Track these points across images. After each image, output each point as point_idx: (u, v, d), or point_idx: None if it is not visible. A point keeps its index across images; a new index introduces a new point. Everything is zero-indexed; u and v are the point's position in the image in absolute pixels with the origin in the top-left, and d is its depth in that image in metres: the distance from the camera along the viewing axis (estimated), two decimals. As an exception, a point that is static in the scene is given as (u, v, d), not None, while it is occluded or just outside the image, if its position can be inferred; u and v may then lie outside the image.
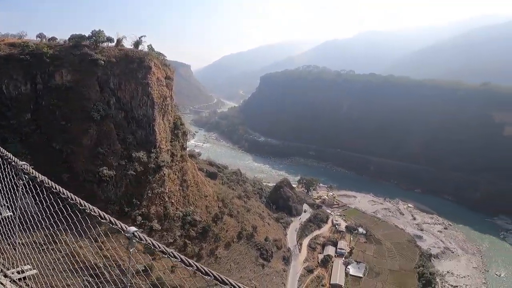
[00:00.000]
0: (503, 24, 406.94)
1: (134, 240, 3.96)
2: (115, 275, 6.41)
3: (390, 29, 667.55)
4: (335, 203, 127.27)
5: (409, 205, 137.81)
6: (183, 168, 70.54)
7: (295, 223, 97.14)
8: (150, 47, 68.01)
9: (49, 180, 5.63)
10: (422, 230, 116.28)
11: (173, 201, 63.71)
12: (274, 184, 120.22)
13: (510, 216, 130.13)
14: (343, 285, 74.52)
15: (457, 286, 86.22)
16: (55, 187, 5.52)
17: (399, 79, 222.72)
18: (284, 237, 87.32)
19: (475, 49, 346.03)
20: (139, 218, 55.97)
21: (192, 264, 3.69)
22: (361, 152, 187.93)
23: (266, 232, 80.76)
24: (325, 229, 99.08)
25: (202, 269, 3.62)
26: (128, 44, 66.55)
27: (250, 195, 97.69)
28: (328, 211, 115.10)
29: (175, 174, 67.83)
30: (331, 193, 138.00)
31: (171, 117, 70.63)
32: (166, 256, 3.75)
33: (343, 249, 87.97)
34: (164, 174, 63.15)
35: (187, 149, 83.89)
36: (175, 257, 3.72)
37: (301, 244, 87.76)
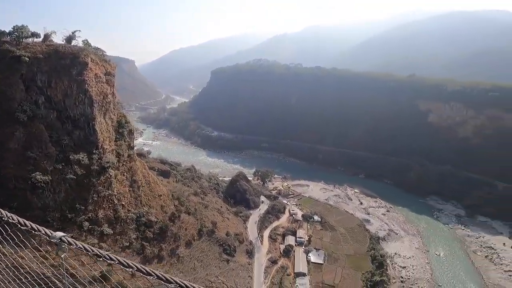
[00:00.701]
0: (425, 19, 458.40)
1: (63, 245, 3.81)
2: (64, 282, 5.92)
3: (334, 24, 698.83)
4: (290, 193, 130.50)
5: (355, 190, 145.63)
6: (132, 168, 66.39)
7: (254, 216, 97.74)
8: (86, 42, 61.93)
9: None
10: (368, 214, 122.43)
11: (123, 203, 59.59)
12: (230, 178, 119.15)
13: (440, 196, 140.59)
14: (307, 272, 76.61)
15: (405, 267, 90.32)
16: None
17: (341, 72, 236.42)
18: (245, 230, 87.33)
19: (403, 43, 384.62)
20: (86, 223, 51.70)
21: (132, 265, 3.57)
22: (310, 142, 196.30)
23: (226, 227, 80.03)
24: (283, 219, 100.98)
25: (143, 269, 3.50)
26: (59, 40, 60.02)
27: (206, 191, 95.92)
28: (285, 201, 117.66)
29: (123, 175, 63.58)
30: (286, 184, 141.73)
31: (114, 115, 65.68)
32: (101, 259, 3.57)
33: (302, 238, 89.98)
34: (111, 175, 58.70)
35: (135, 148, 79.25)
36: (111, 259, 3.57)
37: (262, 236, 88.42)
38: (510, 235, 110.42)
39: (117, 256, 3.64)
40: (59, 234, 3.86)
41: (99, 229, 53.05)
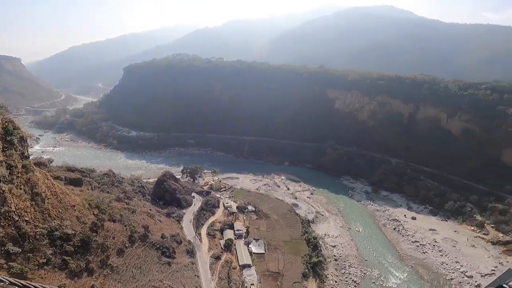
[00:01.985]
0: (332, 14, 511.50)
1: None
2: None
3: (253, 18, 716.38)
4: (222, 186, 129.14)
5: (282, 177, 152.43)
6: (30, 180, 54.82)
7: (188, 215, 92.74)
8: None
9: None
10: (296, 198, 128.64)
11: (27, 219, 48.92)
12: (156, 179, 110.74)
13: (350, 175, 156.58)
14: (251, 263, 76.18)
15: (335, 246, 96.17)
16: None
17: (260, 65, 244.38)
18: (181, 230, 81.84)
19: (314, 37, 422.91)
20: (-16, 244, 41.26)
21: (2, 278, 3.63)
22: (236, 134, 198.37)
23: (160, 230, 73.59)
24: (219, 214, 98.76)
25: (17, 282, 3.55)
26: None
27: (131, 195, 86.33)
28: (218, 195, 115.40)
29: (20, 189, 52.02)
30: (217, 178, 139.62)
31: (-3, 121, 53.05)
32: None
33: (241, 230, 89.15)
34: (3, 191, 47.32)
35: (31, 157, 66.12)
36: None
37: (200, 234, 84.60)
38: (408, 206, 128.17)
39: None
40: None
41: (2, 248, 43.27)
